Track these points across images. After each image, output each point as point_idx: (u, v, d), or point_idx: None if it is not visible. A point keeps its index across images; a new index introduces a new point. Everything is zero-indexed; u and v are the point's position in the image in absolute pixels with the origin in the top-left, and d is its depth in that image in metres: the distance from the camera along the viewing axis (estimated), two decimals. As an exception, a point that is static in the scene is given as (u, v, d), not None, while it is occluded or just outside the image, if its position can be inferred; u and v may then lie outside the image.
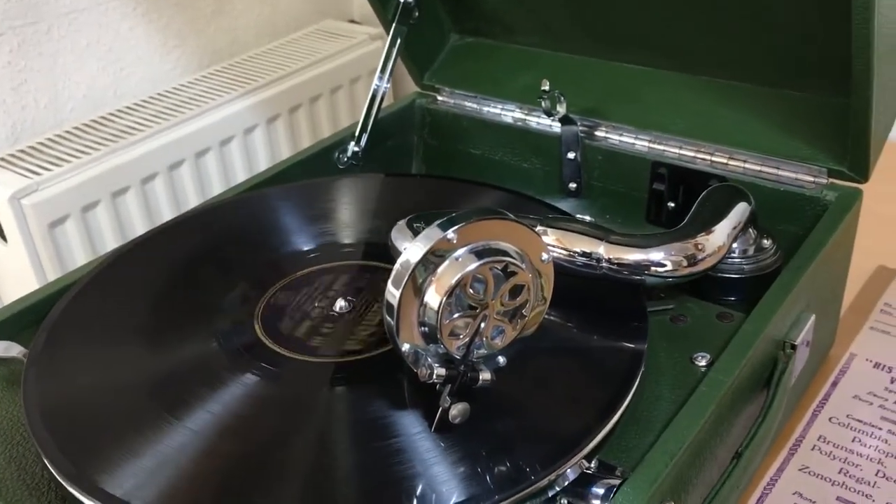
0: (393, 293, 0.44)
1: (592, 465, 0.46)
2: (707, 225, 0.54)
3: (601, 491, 0.45)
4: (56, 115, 1.11)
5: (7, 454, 0.49)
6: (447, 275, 0.43)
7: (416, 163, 0.84)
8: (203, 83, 1.16)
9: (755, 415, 0.54)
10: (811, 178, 0.64)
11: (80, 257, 1.00)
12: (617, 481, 0.45)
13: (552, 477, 0.44)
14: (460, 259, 0.44)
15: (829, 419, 0.66)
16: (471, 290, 0.44)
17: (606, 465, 0.47)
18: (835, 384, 0.69)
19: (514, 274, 0.45)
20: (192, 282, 0.59)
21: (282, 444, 0.46)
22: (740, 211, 0.56)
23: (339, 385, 0.50)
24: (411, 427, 0.47)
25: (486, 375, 0.46)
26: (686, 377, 0.52)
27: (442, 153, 0.83)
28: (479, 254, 0.44)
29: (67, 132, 1.05)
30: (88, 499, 0.43)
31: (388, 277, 0.44)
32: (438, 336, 0.44)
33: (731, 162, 0.67)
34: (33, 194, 0.94)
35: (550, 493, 0.44)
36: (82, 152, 1.00)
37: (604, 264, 0.53)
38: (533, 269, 0.46)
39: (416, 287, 0.44)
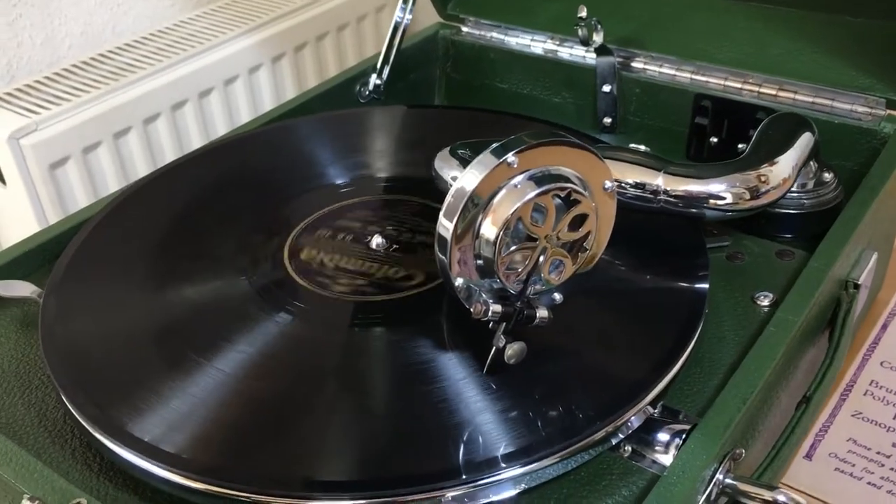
0: (446, 225, 0.40)
1: (656, 411, 0.43)
2: (770, 155, 0.50)
3: (666, 437, 0.42)
4: (53, 53, 1.06)
5: (26, 400, 0.45)
6: (505, 203, 0.40)
7: (439, 98, 0.80)
8: (204, 20, 1.11)
9: (816, 358, 0.51)
10: (868, 110, 0.61)
11: (81, 200, 0.96)
12: (685, 427, 0.42)
13: (618, 423, 0.40)
14: (519, 186, 0.40)
15: (881, 363, 0.63)
16: (530, 221, 0.40)
17: (670, 410, 0.44)
18: (884, 327, 0.66)
19: (576, 203, 0.41)
20: (218, 216, 0.55)
21: (317, 387, 0.43)
22: (805, 141, 0.52)
23: (377, 325, 0.47)
24: (457, 371, 0.43)
25: (543, 313, 0.42)
26: (748, 317, 0.49)
27: (466, 87, 0.78)
28: (539, 180, 0.40)
29: (66, 70, 1.00)
30: (116, 444, 0.40)
31: (441, 208, 0.40)
32: (495, 269, 0.40)
33: (781, 93, 0.64)
34: (33, 134, 0.90)
35: (614, 441, 0.41)
36: (82, 91, 0.95)
37: (661, 197, 0.49)
38: (595, 198, 0.42)
39: (471, 217, 0.40)
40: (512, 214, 0.39)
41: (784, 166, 0.50)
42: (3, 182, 0.92)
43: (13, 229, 0.97)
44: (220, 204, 0.56)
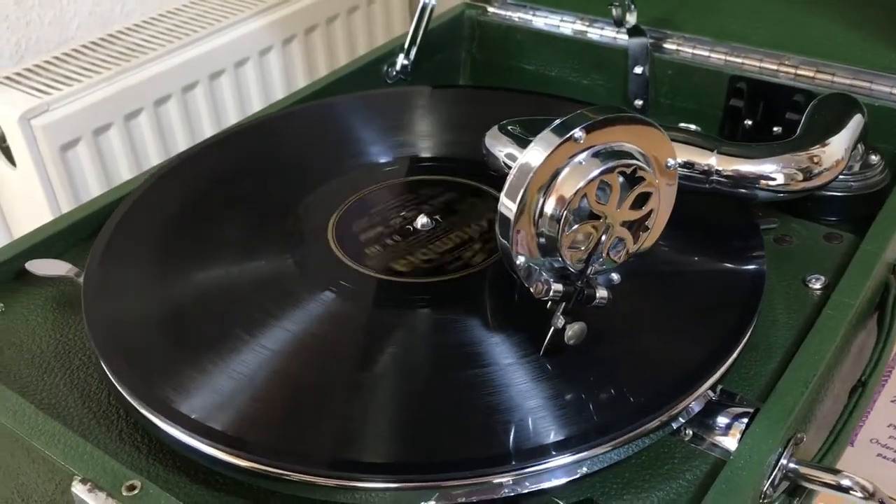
0: (508, 205, 0.39)
1: (716, 395, 0.42)
2: (823, 136, 0.49)
3: (726, 421, 0.41)
4: (62, 33, 1.04)
5: (68, 380, 0.44)
6: (570, 181, 0.39)
7: (464, 80, 0.79)
8: (213, 0, 1.10)
9: (863, 343, 0.51)
10: (908, 92, 0.60)
11: (92, 183, 0.94)
12: (747, 410, 0.41)
13: (682, 407, 0.40)
14: (584, 163, 0.39)
15: (918, 349, 0.62)
16: (595, 198, 0.39)
17: (728, 394, 0.43)
18: (919, 313, 0.65)
19: (641, 180, 0.40)
20: (259, 194, 0.54)
21: (365, 367, 0.42)
22: (856, 123, 0.51)
23: (424, 306, 0.46)
24: (510, 353, 0.42)
25: (602, 293, 0.41)
26: (800, 301, 0.48)
27: (492, 69, 0.77)
28: (604, 157, 0.39)
29: (75, 50, 0.98)
30: (165, 422, 0.39)
31: (499, 187, 0.39)
32: (558, 248, 0.39)
33: (819, 75, 0.63)
34: (44, 115, 0.88)
35: (675, 426, 0.40)
36: (93, 72, 0.94)
37: (714, 177, 0.48)
38: (657, 176, 0.41)
39: (534, 194, 0.39)
40: (578, 191, 0.38)
41: (837, 147, 0.49)
42: (13, 163, 0.90)
43: (23, 211, 0.95)
44: (262, 181, 0.55)
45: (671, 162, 0.41)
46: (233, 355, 0.42)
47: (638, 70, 0.69)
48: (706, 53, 0.67)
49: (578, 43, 0.72)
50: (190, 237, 0.50)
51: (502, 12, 0.76)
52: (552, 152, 0.38)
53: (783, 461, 0.40)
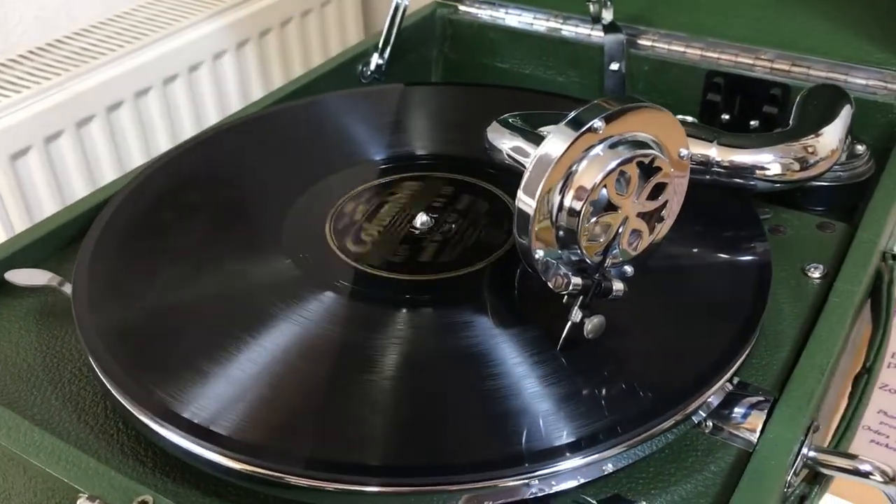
0: (526, 200, 0.38)
1: (733, 386, 0.42)
2: (816, 127, 0.50)
3: (743, 411, 0.41)
4: (5, 39, 1.01)
5: (59, 395, 0.42)
6: (589, 172, 0.38)
7: (436, 79, 0.78)
8: (161, 4, 1.07)
9: (858, 330, 0.51)
10: (884, 84, 0.61)
11: (44, 193, 0.91)
12: (764, 400, 0.41)
13: (704, 400, 0.39)
14: (602, 154, 0.38)
15: (900, 337, 0.63)
16: (614, 189, 0.39)
17: (743, 384, 0.42)
18: (899, 301, 0.66)
19: (657, 170, 0.39)
20: (253, 193, 0.52)
21: (369, 368, 0.41)
22: (847, 113, 0.51)
23: (427, 305, 0.45)
24: (520, 352, 0.41)
25: (618, 286, 0.40)
26: (802, 289, 0.48)
27: (465, 68, 0.76)
28: (622, 147, 0.38)
29: (22, 56, 0.95)
30: (168, 429, 0.37)
31: (520, 180, 0.38)
32: (577, 241, 0.39)
33: (794, 68, 0.63)
34: (-8, 123, 0.85)
35: (696, 419, 0.40)
36: (41, 78, 0.90)
37: (714, 168, 0.48)
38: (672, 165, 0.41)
39: (552, 188, 0.38)
40: (598, 182, 0.38)
41: (831, 137, 0.49)
42: (-39, 174, 0.86)
43: (-28, 224, 0.91)
44: (254, 180, 0.53)
45: (684, 152, 0.41)
46: (235, 358, 0.40)
47: (614, 67, 0.69)
48: (682, 49, 0.67)
49: (552, 40, 0.72)
50: (181, 239, 0.48)
51: (473, 10, 0.75)
52: (572, 144, 0.37)
53: (804, 450, 0.39)
